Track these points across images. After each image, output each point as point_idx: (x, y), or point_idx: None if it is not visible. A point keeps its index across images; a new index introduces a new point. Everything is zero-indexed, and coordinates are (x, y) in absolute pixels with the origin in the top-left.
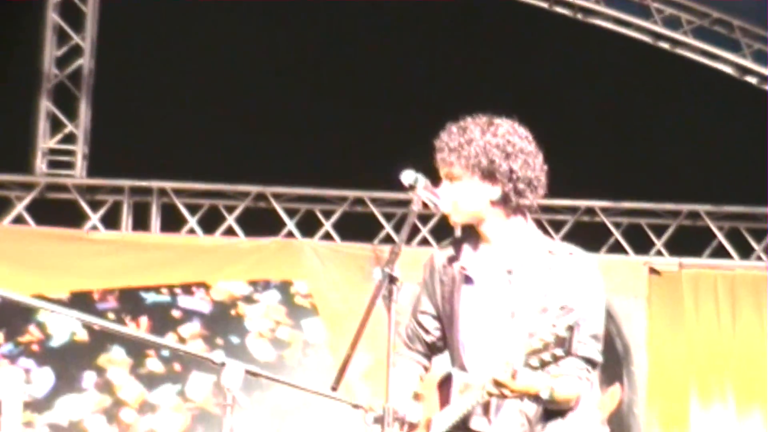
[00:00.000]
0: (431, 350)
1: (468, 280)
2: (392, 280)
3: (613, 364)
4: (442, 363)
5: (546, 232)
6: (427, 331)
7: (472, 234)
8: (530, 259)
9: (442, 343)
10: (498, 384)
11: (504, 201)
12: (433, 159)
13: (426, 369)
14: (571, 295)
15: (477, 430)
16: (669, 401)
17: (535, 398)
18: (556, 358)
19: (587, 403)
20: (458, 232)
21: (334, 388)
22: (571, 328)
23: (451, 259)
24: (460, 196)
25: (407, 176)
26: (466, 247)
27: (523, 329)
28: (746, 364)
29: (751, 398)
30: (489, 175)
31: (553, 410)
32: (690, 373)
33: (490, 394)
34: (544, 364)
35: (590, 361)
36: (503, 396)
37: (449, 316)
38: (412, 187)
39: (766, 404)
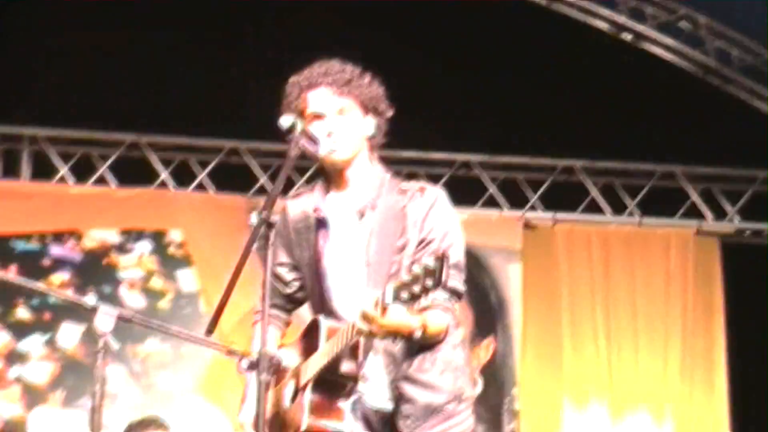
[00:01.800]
0: (291, 303)
1: (323, 224)
2: (269, 225)
3: (487, 316)
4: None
5: None
6: (286, 284)
7: (324, 182)
8: (382, 200)
9: (302, 294)
10: (367, 319)
11: (374, 137)
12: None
13: (287, 323)
14: (427, 228)
15: (346, 373)
16: (542, 352)
17: (408, 337)
18: (426, 290)
19: (451, 335)
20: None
21: (208, 333)
22: (440, 259)
23: (307, 206)
24: (348, 128)
25: (285, 120)
26: (317, 194)
27: (382, 270)
28: (617, 314)
29: (623, 340)
30: (370, 109)
31: (421, 345)
32: (563, 323)
33: (360, 332)
34: (414, 297)
35: (455, 292)
36: (372, 334)
37: (310, 263)
38: (289, 131)
39: (637, 345)
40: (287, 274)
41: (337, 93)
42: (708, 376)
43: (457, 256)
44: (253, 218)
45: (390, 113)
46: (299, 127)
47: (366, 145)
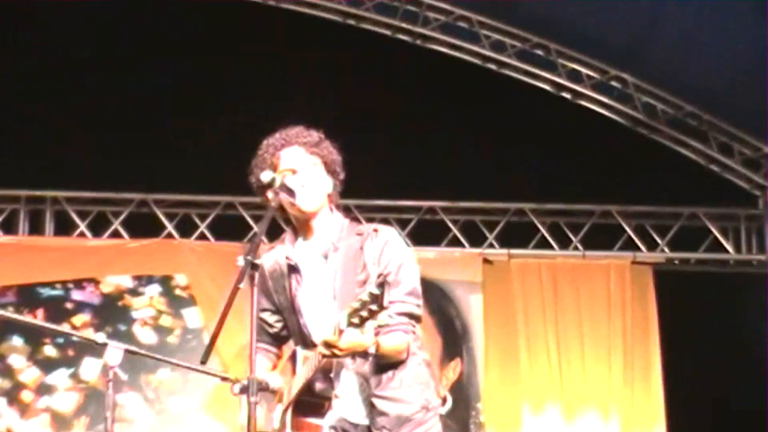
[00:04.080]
0: (277, 340)
1: (294, 269)
2: (254, 266)
3: (453, 341)
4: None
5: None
6: (270, 326)
7: (292, 232)
8: (342, 243)
9: (286, 332)
10: (327, 345)
11: (333, 194)
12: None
13: (277, 356)
14: (383, 263)
15: (320, 392)
16: (502, 367)
17: (364, 354)
18: (372, 313)
19: (416, 355)
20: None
21: (203, 362)
22: (381, 285)
23: (279, 257)
24: (317, 182)
25: (266, 175)
26: (287, 245)
27: (347, 302)
28: (566, 332)
29: (572, 353)
30: (331, 170)
31: (385, 364)
32: (519, 342)
33: (324, 356)
34: (363, 320)
35: (411, 315)
36: (335, 356)
37: (287, 306)
38: (270, 185)
39: (584, 356)
40: (270, 318)
41: (309, 151)
42: (646, 380)
43: (409, 284)
44: (240, 260)
45: (343, 176)
46: (278, 181)
47: (327, 200)
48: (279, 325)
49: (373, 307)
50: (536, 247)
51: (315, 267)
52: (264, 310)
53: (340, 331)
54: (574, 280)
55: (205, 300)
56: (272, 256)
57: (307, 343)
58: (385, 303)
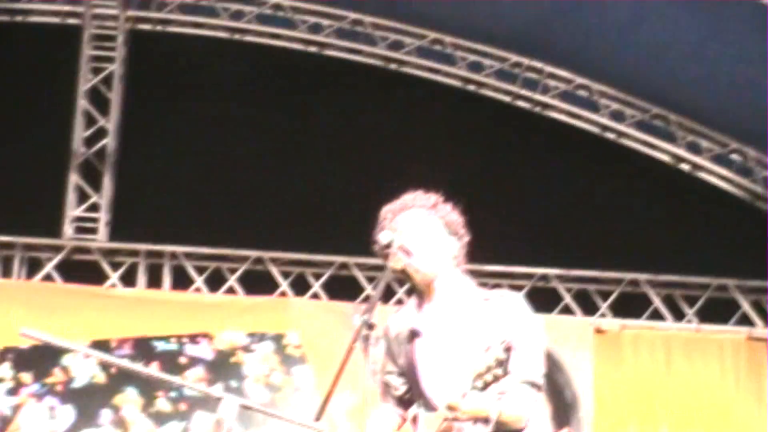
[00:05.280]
0: (402, 403)
1: (418, 335)
2: (369, 326)
3: (563, 410)
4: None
5: None
6: (395, 388)
7: (417, 298)
8: (469, 308)
9: (410, 395)
10: (450, 407)
11: (459, 255)
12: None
13: (402, 418)
14: (508, 329)
15: None
16: None
17: (485, 420)
18: (496, 378)
19: (536, 424)
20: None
21: (316, 419)
22: (507, 350)
23: (404, 321)
24: (433, 245)
25: (385, 236)
26: (413, 309)
27: (472, 370)
28: (678, 409)
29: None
30: (453, 231)
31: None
32: (630, 418)
33: (446, 419)
34: (486, 384)
35: (534, 384)
36: (457, 419)
37: (410, 370)
38: (388, 246)
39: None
40: (395, 380)
41: (427, 213)
42: None
43: (533, 351)
44: (356, 319)
45: (467, 237)
46: (396, 242)
47: (452, 262)
48: (404, 388)
49: (498, 372)
50: (649, 318)
51: (438, 331)
52: (389, 372)
53: (463, 394)
54: (688, 353)
55: (317, 358)
56: (398, 320)
57: (429, 407)
58: (510, 368)
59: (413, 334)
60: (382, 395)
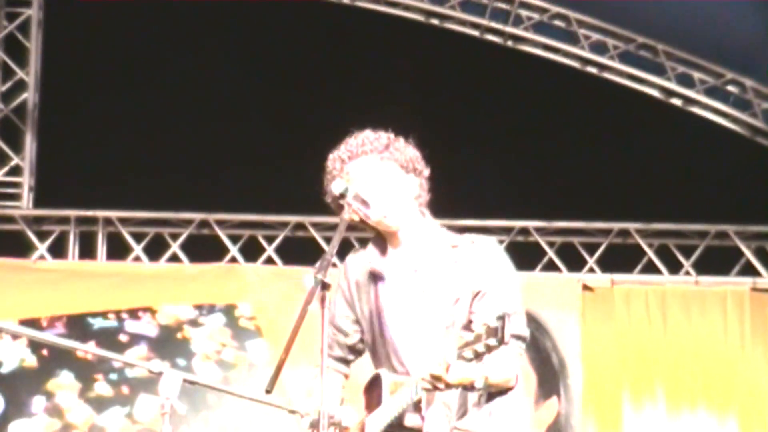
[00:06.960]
0: (351, 352)
1: (380, 279)
2: (324, 286)
3: (550, 378)
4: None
5: None
6: (346, 334)
7: (380, 242)
8: (435, 256)
9: (362, 345)
10: (434, 378)
11: (421, 193)
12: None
13: (346, 376)
14: (480, 279)
15: (411, 426)
16: (603, 409)
17: (471, 387)
18: (489, 348)
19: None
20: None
21: (268, 391)
22: (502, 318)
23: (365, 263)
24: (392, 193)
25: (337, 185)
26: (375, 252)
27: (439, 323)
28: (676, 370)
29: (681, 399)
30: (411, 170)
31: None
32: (622, 382)
33: (425, 389)
34: (477, 355)
35: (519, 337)
36: (437, 389)
37: (372, 317)
38: (342, 196)
39: (694, 399)
40: (349, 326)
41: (380, 158)
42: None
43: (514, 303)
44: (309, 279)
45: (428, 172)
46: (351, 192)
47: (414, 204)
48: (357, 336)
49: (491, 342)
50: (642, 272)
51: (404, 280)
52: (343, 317)
53: (448, 365)
54: (686, 309)
55: (272, 331)
56: (358, 261)
57: (388, 363)
58: (506, 338)
59: (376, 277)
60: (327, 348)
